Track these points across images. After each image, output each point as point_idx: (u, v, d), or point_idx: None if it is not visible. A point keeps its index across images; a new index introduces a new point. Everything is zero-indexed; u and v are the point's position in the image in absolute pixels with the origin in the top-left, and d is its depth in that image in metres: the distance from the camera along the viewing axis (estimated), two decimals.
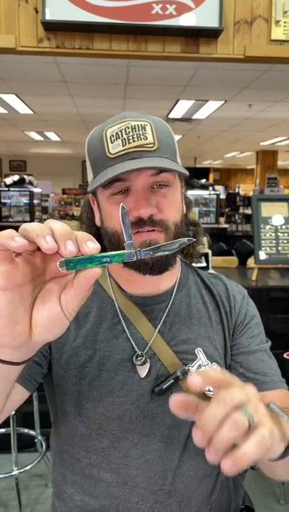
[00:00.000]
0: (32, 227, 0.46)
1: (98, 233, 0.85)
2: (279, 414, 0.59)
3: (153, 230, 0.76)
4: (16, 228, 0.48)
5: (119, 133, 0.76)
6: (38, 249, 0.47)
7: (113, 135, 0.76)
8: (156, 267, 0.79)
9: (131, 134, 0.75)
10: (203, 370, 0.50)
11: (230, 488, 0.89)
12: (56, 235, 0.46)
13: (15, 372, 0.57)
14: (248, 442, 0.46)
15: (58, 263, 0.47)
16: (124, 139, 0.75)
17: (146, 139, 0.75)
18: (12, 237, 0.45)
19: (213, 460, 0.47)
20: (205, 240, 0.98)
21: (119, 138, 0.76)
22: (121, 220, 0.56)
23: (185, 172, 0.79)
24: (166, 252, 0.55)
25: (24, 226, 0.47)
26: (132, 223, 0.75)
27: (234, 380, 0.51)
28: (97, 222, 0.86)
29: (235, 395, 0.48)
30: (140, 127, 0.76)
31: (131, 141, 0.75)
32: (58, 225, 0.47)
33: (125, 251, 0.52)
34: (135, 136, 0.75)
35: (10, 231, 0.46)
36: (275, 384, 0.85)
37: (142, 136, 0.75)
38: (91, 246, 0.48)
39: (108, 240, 0.81)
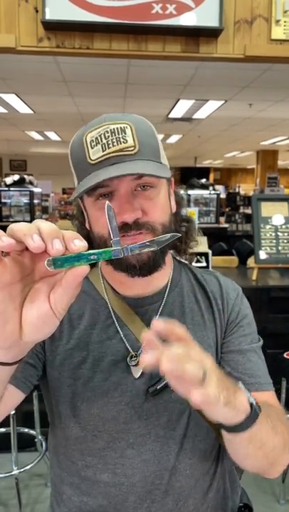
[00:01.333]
0: (19, 227, 0.47)
1: (89, 236, 0.85)
2: (240, 387, 0.67)
3: (140, 233, 0.76)
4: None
5: (99, 138, 0.74)
6: (27, 249, 0.48)
7: (93, 140, 0.75)
8: (145, 269, 0.78)
9: (110, 138, 0.74)
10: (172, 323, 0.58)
11: (227, 487, 0.89)
12: (43, 234, 0.47)
13: (7, 372, 0.58)
14: (198, 392, 0.55)
15: (45, 262, 0.48)
16: (104, 144, 0.74)
17: (126, 142, 0.74)
18: None
19: (145, 359, 0.54)
20: (202, 239, 0.97)
21: (99, 143, 0.74)
22: (107, 218, 0.57)
23: (166, 175, 0.77)
24: (153, 248, 0.55)
25: (11, 226, 0.48)
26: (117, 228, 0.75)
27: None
28: (87, 225, 0.86)
29: (200, 352, 0.58)
30: (120, 130, 0.74)
31: (110, 145, 0.74)
32: (45, 225, 0.48)
33: (112, 248, 0.53)
34: (115, 140, 0.74)
35: None
36: (260, 386, 0.85)
37: (121, 140, 0.74)
38: (78, 244, 0.48)
39: (96, 245, 0.81)
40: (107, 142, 0.74)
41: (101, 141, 0.74)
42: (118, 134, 0.74)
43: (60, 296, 0.50)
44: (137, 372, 0.81)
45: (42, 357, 0.84)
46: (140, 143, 0.75)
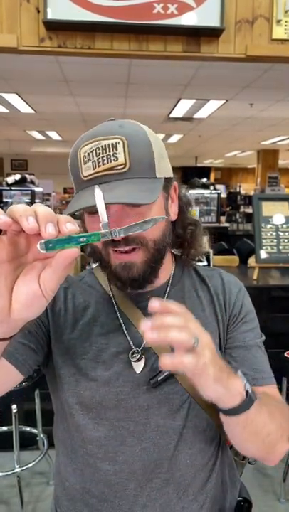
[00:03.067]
0: (17, 208, 0.50)
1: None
2: (237, 374, 0.70)
3: (133, 249, 0.77)
4: None
5: (90, 154, 0.74)
6: (23, 230, 0.50)
7: (85, 155, 0.75)
8: (135, 284, 0.80)
9: (101, 155, 0.73)
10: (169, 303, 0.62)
11: (226, 480, 0.91)
12: (39, 217, 0.50)
13: None
14: (188, 357, 0.59)
15: (38, 244, 0.51)
16: (95, 161, 0.74)
17: (117, 160, 0.73)
18: None
19: (145, 325, 0.58)
20: (205, 239, 0.97)
21: (90, 160, 0.74)
22: (97, 203, 0.59)
23: (152, 199, 0.73)
24: (140, 231, 0.59)
25: (11, 207, 0.51)
26: (107, 242, 0.76)
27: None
28: None
29: (194, 325, 0.62)
30: (111, 147, 0.73)
31: (100, 163, 0.73)
32: (42, 208, 0.51)
33: (100, 231, 0.56)
34: (105, 157, 0.73)
35: None
36: (264, 380, 0.87)
37: (112, 158, 0.73)
38: (70, 227, 0.51)
39: (95, 257, 0.83)
40: (97, 160, 0.74)
41: (92, 158, 0.74)
42: (109, 151, 0.73)
43: (49, 276, 0.53)
44: (138, 368, 0.83)
45: (45, 344, 0.86)
46: (132, 159, 0.74)
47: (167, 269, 0.91)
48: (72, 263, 0.53)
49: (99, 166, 0.74)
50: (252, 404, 0.70)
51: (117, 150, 0.73)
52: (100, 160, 0.74)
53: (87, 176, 0.75)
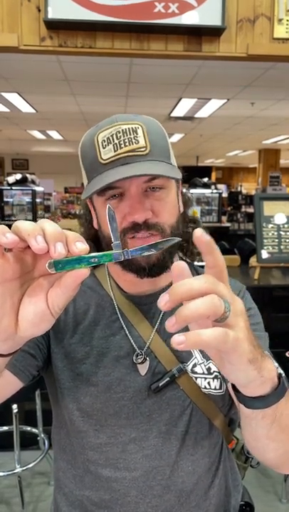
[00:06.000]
0: (24, 226, 0.47)
1: (97, 235, 0.86)
2: (267, 355, 0.58)
3: (150, 236, 0.76)
4: None
5: (111, 138, 0.75)
6: (29, 247, 0.48)
7: (104, 140, 0.75)
8: (154, 270, 0.79)
9: (122, 138, 0.74)
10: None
11: (229, 485, 0.90)
12: (47, 236, 0.47)
13: (1, 362, 0.59)
14: (210, 329, 0.46)
15: (46, 264, 0.48)
16: (116, 143, 0.74)
17: (138, 142, 0.74)
18: (3, 233, 0.46)
19: (169, 327, 0.47)
20: None
21: (110, 143, 0.75)
22: (108, 221, 0.56)
23: (177, 176, 0.78)
24: (152, 252, 0.53)
25: (17, 224, 0.48)
26: (127, 228, 0.76)
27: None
28: (95, 225, 0.87)
29: (224, 287, 0.49)
30: (131, 131, 0.75)
31: (122, 145, 0.74)
32: (49, 226, 0.48)
33: (113, 251, 0.53)
34: (126, 140, 0.74)
35: (1, 227, 0.47)
36: None
37: (133, 140, 0.74)
38: (80, 247, 0.49)
39: (105, 244, 0.82)
40: (118, 142, 0.74)
41: (113, 141, 0.75)
42: (130, 134, 0.74)
43: (58, 297, 0.51)
44: (143, 370, 0.82)
45: (44, 348, 0.85)
46: (151, 144, 0.76)
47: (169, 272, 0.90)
48: (81, 282, 0.50)
49: (121, 148, 0.74)
50: (285, 392, 0.59)
51: (137, 134, 0.75)
52: (122, 142, 0.74)
53: (107, 159, 0.75)
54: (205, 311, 0.46)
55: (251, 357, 0.52)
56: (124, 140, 0.74)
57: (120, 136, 0.74)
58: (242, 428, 0.68)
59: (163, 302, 0.48)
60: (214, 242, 0.50)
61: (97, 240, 0.86)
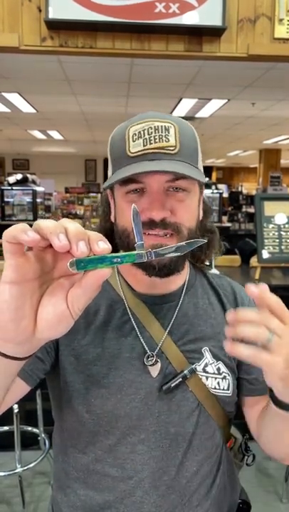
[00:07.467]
0: (46, 224, 0.47)
1: (112, 229, 0.85)
2: None
3: (165, 235, 0.76)
4: None
5: (142, 132, 0.75)
6: (50, 246, 0.48)
7: (135, 134, 0.75)
8: (164, 271, 0.78)
9: (153, 134, 0.74)
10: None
11: (228, 484, 0.90)
12: (69, 234, 0.47)
13: (16, 366, 0.58)
14: (246, 347, 0.59)
15: (68, 263, 0.48)
16: (146, 138, 0.74)
17: (168, 141, 0.74)
18: (25, 231, 0.46)
19: (228, 348, 0.59)
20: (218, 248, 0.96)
21: (141, 137, 0.75)
22: (132, 220, 0.56)
23: (202, 179, 0.77)
24: (177, 254, 0.55)
25: (38, 222, 0.47)
26: (143, 223, 0.74)
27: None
28: (112, 217, 0.86)
29: (275, 322, 0.60)
30: (164, 128, 0.75)
31: (152, 142, 0.74)
32: (72, 225, 0.48)
33: (136, 252, 0.52)
34: (157, 137, 0.74)
35: (23, 225, 0.46)
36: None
37: (164, 138, 0.74)
38: (102, 246, 0.48)
39: (118, 237, 0.81)
40: (149, 138, 0.74)
41: (143, 135, 0.75)
42: (161, 132, 0.74)
43: (79, 297, 0.50)
44: (154, 372, 0.81)
45: (51, 351, 0.84)
46: (181, 144, 0.75)
47: (183, 274, 0.89)
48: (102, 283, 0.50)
49: (150, 144, 0.74)
50: None
51: (169, 132, 0.75)
52: (152, 138, 0.74)
53: (135, 153, 0.75)
54: (249, 335, 0.59)
55: (284, 377, 0.60)
56: (154, 136, 0.74)
57: (152, 132, 0.74)
58: (262, 424, 0.78)
59: (231, 318, 0.60)
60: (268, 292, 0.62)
61: (111, 234, 0.85)
